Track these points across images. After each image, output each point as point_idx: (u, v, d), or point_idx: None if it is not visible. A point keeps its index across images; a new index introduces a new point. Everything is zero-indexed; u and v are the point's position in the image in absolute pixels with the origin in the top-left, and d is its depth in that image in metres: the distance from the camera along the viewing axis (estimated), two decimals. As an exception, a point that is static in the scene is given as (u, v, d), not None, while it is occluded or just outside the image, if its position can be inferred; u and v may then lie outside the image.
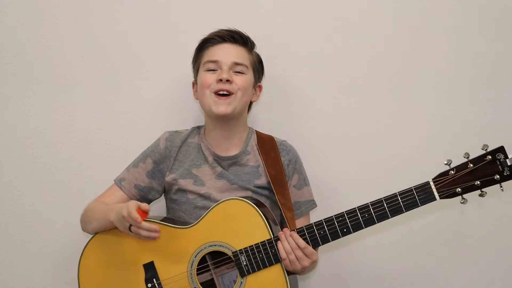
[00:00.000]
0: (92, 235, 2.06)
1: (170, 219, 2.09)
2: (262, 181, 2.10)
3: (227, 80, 2.03)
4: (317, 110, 2.39)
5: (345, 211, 1.87)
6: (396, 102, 2.40)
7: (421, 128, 2.40)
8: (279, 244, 1.89)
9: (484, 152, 1.76)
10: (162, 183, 2.13)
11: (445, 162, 1.80)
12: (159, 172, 2.12)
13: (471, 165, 1.76)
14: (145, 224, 1.89)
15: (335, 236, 1.88)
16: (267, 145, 2.14)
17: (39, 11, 2.37)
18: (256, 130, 2.20)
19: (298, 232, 1.90)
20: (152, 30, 2.39)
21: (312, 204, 2.17)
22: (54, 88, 2.38)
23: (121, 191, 2.12)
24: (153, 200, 2.17)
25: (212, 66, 2.07)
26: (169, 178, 2.11)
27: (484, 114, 2.40)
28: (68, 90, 2.39)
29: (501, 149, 1.74)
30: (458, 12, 2.38)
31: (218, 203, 1.96)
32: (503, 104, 2.40)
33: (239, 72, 2.07)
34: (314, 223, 1.90)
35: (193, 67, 2.17)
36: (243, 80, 2.07)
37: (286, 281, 1.90)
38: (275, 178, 2.08)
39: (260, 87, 2.20)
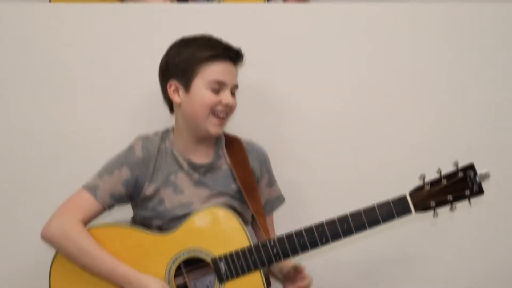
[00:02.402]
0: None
1: (143, 226, 2.02)
2: (235, 184, 2.05)
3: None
4: (304, 114, 2.38)
5: (324, 221, 1.87)
6: (389, 107, 2.38)
7: (411, 136, 2.39)
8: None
9: (455, 169, 1.86)
10: (134, 193, 2.03)
11: (420, 177, 1.86)
12: (134, 183, 2.01)
13: (445, 181, 1.86)
14: None
15: (314, 245, 1.88)
16: (235, 147, 2.09)
17: (39, 11, 2.37)
18: (224, 132, 2.13)
19: (278, 240, 1.89)
20: (152, 30, 2.37)
21: (282, 199, 2.15)
22: (54, 88, 2.38)
23: (95, 201, 2.00)
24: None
25: (217, 86, 1.98)
26: (150, 189, 2.01)
27: (488, 115, 2.37)
28: (68, 90, 2.38)
29: (471, 167, 1.85)
30: (459, 15, 2.36)
31: (197, 211, 1.94)
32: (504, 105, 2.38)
33: (233, 93, 2.03)
34: (294, 231, 1.88)
35: (181, 68, 1.99)
36: (235, 101, 2.04)
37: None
38: (245, 182, 2.03)
39: None
